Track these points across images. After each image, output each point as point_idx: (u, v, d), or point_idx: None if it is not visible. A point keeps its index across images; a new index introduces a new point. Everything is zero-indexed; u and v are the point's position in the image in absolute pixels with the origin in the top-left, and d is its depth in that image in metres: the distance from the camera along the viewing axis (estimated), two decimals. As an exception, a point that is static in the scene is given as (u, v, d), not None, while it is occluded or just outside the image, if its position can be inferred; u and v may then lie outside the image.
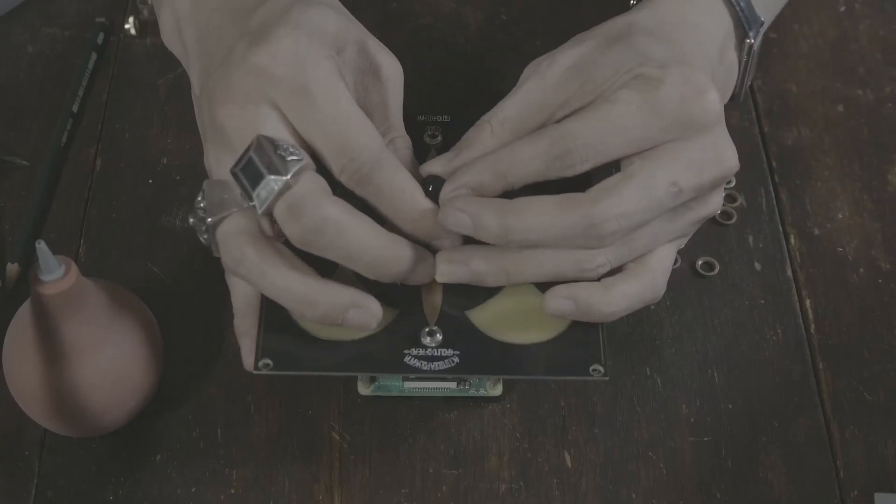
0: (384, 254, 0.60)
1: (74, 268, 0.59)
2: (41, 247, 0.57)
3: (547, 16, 0.82)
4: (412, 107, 0.66)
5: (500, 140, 0.62)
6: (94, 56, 0.79)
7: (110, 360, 0.61)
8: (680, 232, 0.63)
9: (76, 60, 0.79)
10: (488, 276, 0.61)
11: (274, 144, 0.59)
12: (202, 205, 0.61)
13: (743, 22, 0.66)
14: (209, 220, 0.60)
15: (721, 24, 0.66)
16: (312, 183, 0.59)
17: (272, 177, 0.58)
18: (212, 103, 0.61)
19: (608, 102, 0.60)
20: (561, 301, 0.61)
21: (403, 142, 0.64)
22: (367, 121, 0.61)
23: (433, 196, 0.62)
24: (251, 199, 0.59)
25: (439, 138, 0.68)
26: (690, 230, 0.64)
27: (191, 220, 0.61)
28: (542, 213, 0.59)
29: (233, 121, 0.60)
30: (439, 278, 0.62)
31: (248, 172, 0.59)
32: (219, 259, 0.62)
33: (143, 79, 0.79)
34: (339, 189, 0.61)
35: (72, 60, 0.79)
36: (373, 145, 0.60)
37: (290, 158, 0.59)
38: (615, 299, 0.61)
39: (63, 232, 0.72)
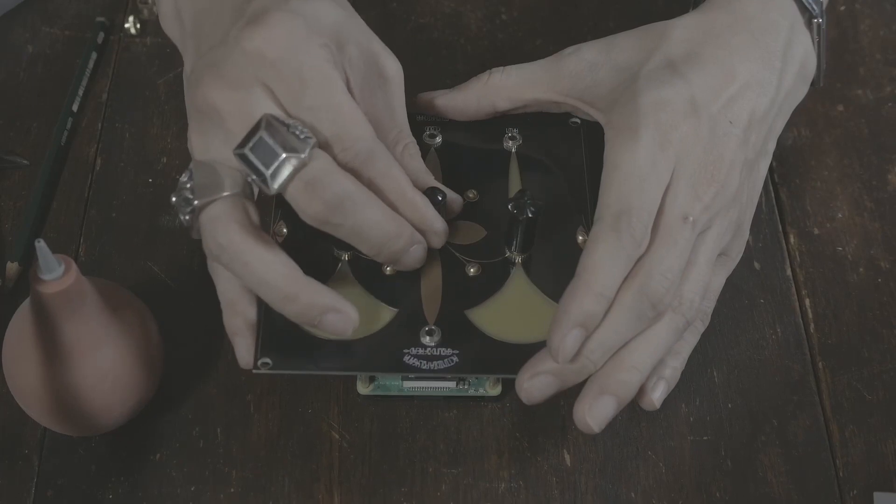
0: (391, 229, 0.60)
1: (74, 267, 0.58)
2: (41, 246, 0.57)
3: (547, 16, 0.82)
4: (412, 106, 0.66)
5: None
6: (94, 55, 0.79)
7: (110, 360, 0.61)
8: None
9: (76, 60, 0.79)
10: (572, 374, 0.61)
11: (284, 123, 0.59)
12: (189, 185, 0.60)
13: (807, 6, 0.66)
14: (196, 201, 0.60)
15: (787, 13, 0.66)
16: (325, 159, 0.59)
17: (288, 154, 0.58)
18: (202, 85, 0.60)
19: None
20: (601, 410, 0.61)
21: (414, 147, 0.64)
22: (359, 111, 0.61)
23: (442, 207, 0.62)
24: (264, 179, 0.59)
25: (439, 138, 0.68)
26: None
27: (173, 198, 0.61)
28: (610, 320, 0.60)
29: (227, 104, 0.60)
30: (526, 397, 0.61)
31: (260, 152, 0.59)
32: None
33: (143, 78, 0.79)
34: None
35: (72, 60, 0.79)
36: (367, 136, 0.60)
37: (303, 136, 0.59)
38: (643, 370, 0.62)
39: (63, 231, 0.72)
